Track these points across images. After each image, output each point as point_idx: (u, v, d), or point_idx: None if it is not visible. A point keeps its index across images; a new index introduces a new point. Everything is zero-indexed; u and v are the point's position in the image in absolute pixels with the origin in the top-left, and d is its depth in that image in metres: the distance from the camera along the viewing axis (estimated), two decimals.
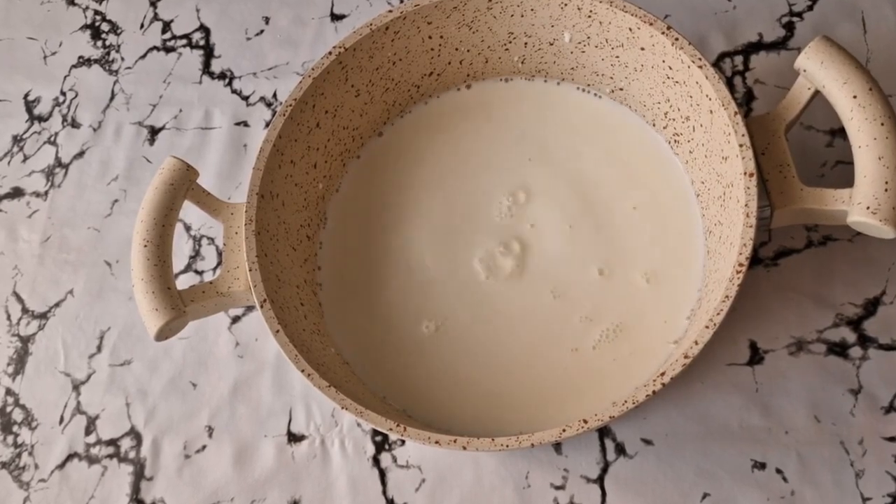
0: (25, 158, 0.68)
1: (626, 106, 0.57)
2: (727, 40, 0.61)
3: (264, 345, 0.58)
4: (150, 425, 0.57)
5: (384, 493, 0.53)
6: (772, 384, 0.52)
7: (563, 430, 0.43)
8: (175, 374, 0.59)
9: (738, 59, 0.61)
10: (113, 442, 0.57)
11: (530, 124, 0.59)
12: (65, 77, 0.71)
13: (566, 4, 0.53)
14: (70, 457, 0.58)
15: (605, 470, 0.52)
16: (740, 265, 0.45)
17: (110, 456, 0.57)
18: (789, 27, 0.61)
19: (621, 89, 0.57)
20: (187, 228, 0.63)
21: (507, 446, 0.43)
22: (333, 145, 0.57)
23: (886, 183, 0.44)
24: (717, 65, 0.61)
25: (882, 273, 0.54)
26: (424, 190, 0.58)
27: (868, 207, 0.44)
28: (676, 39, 0.50)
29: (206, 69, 0.69)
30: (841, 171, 0.56)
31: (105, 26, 0.72)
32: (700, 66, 0.49)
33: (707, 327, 0.44)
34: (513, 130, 0.59)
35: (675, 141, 0.55)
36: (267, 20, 0.70)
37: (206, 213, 0.53)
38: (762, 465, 0.51)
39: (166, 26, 0.71)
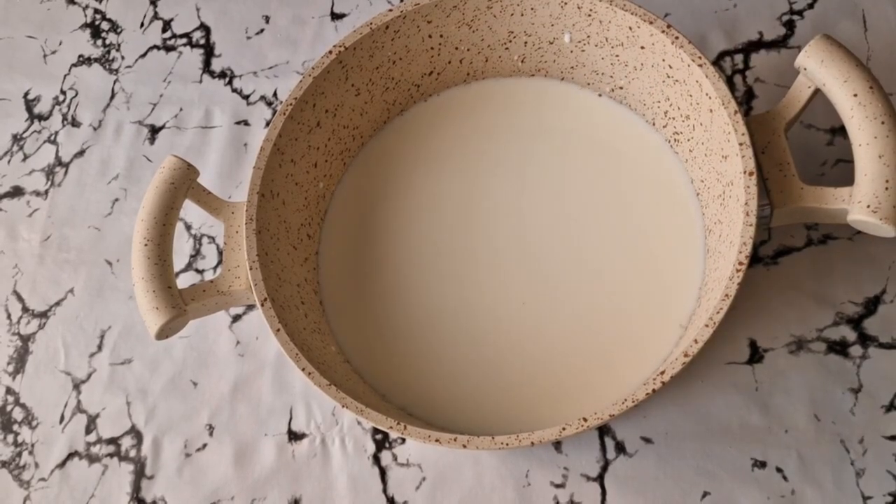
0: (25, 157, 0.68)
1: (625, 105, 0.57)
2: (727, 39, 0.61)
3: (265, 344, 0.58)
4: (150, 424, 0.57)
5: (384, 491, 0.53)
6: (772, 383, 0.52)
7: (563, 429, 0.43)
8: (175, 372, 0.59)
9: (739, 58, 0.61)
10: (113, 441, 0.58)
11: (530, 123, 0.59)
12: (65, 76, 0.71)
13: (566, 3, 0.53)
14: (70, 456, 0.58)
15: (605, 468, 0.52)
16: (740, 264, 0.45)
17: (111, 455, 0.57)
18: (790, 25, 0.61)
19: (621, 88, 0.57)
20: (188, 227, 0.63)
21: (508, 445, 0.43)
22: (334, 144, 0.57)
23: (887, 181, 0.44)
24: (717, 63, 0.61)
25: (882, 271, 0.54)
26: (424, 189, 0.58)
27: (868, 206, 0.44)
28: (676, 38, 0.50)
29: (207, 68, 0.69)
30: (841, 170, 0.56)
31: (105, 25, 0.72)
32: (700, 65, 0.49)
33: (707, 326, 0.44)
34: (513, 129, 0.59)
35: (675, 140, 0.55)
36: (267, 19, 0.70)
37: (206, 212, 0.53)
38: (762, 464, 0.51)
39: (166, 25, 0.71)
